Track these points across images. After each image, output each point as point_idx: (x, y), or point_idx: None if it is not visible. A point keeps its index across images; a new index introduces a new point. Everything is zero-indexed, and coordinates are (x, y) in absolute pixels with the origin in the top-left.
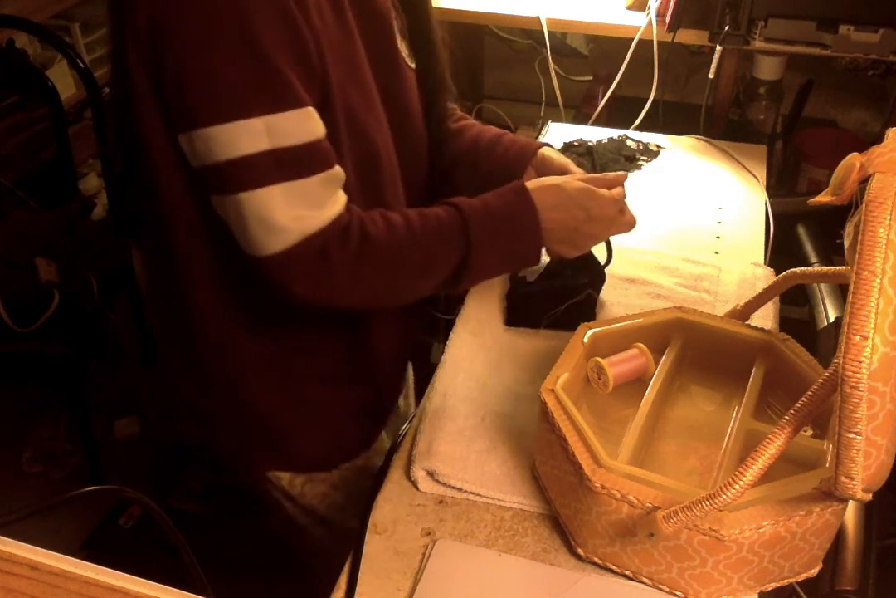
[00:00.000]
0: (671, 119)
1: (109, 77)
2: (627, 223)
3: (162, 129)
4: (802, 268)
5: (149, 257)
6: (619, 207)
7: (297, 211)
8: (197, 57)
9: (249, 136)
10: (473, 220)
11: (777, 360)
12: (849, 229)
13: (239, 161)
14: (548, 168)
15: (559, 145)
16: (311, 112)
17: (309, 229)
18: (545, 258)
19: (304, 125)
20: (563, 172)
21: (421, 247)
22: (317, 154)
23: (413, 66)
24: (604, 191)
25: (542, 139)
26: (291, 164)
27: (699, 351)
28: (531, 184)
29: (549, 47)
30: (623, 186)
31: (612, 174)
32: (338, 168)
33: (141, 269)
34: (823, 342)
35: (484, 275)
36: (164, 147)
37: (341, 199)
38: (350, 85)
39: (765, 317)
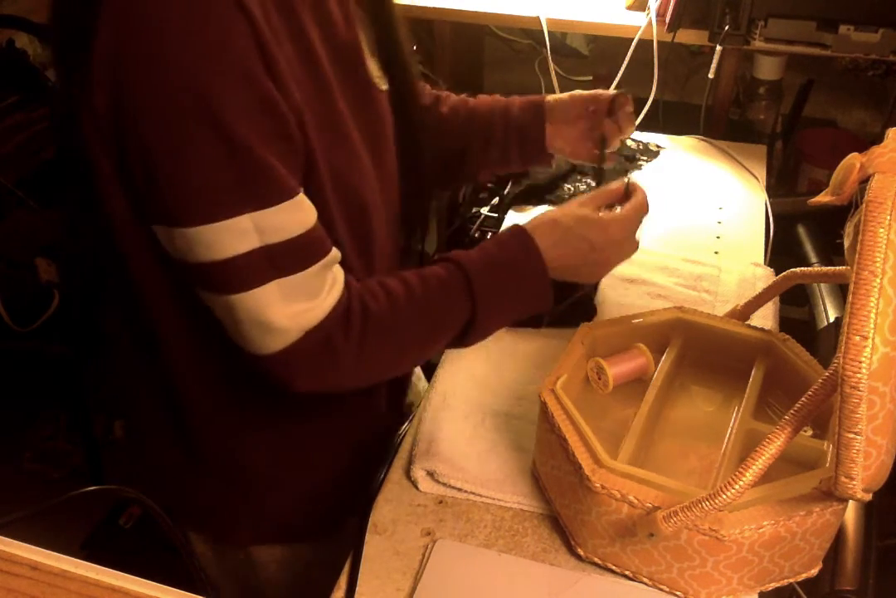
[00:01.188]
0: (671, 119)
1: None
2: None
3: (130, 214)
4: (802, 268)
5: (129, 338)
6: (625, 226)
7: (294, 307)
8: (168, 153)
9: (237, 235)
10: (475, 274)
11: (777, 360)
12: (849, 229)
13: (227, 262)
14: (561, 113)
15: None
16: (301, 201)
17: (308, 324)
18: None
19: (295, 217)
20: (575, 106)
21: (425, 314)
22: (312, 244)
23: (384, 87)
24: (604, 215)
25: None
26: (285, 259)
27: (699, 351)
28: (529, 224)
29: (549, 47)
30: (640, 190)
31: (613, 185)
32: (334, 251)
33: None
34: (823, 342)
35: (494, 327)
36: (134, 232)
37: (339, 279)
38: (335, 147)
39: (765, 317)
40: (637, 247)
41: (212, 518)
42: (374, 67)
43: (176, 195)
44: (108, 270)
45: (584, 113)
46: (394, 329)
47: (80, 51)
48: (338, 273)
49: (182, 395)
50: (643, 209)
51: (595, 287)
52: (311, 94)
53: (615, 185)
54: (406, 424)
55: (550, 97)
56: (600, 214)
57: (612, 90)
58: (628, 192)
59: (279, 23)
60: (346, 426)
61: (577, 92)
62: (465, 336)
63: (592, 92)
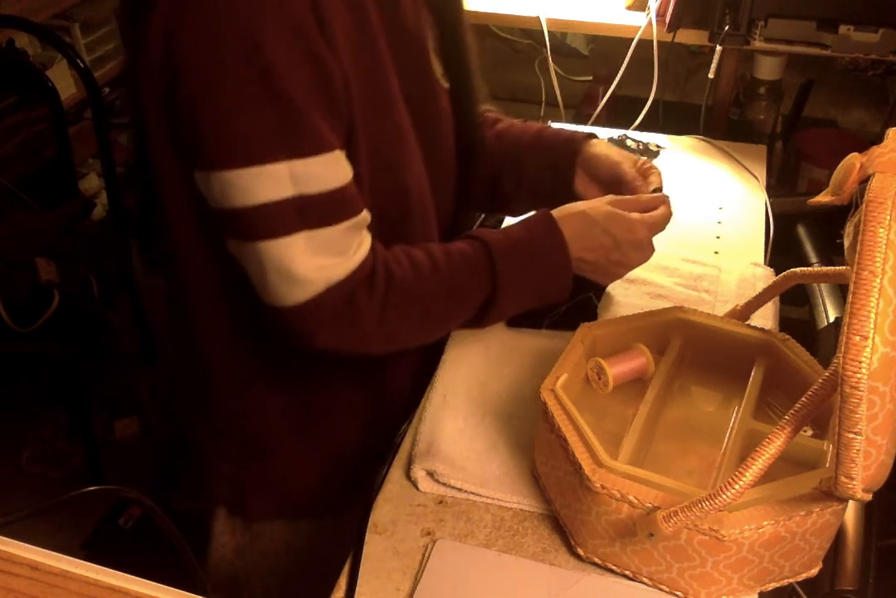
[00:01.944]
0: (671, 119)
1: (123, 100)
2: (651, 246)
3: (175, 163)
4: (802, 268)
5: (168, 293)
6: (651, 230)
7: (320, 261)
8: (214, 97)
9: (271, 182)
10: (499, 254)
11: (777, 360)
12: (849, 229)
13: (259, 208)
14: (595, 169)
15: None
16: (339, 156)
17: (333, 279)
18: None
19: (331, 171)
20: (613, 171)
21: (447, 285)
22: (344, 201)
23: (447, 85)
24: (633, 215)
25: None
26: (316, 212)
27: (699, 351)
28: (557, 213)
29: (549, 47)
30: (667, 205)
31: (645, 196)
32: (364, 213)
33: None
34: (823, 342)
35: (512, 310)
36: (176, 181)
37: (366, 242)
38: (377, 118)
39: (765, 317)
40: (652, 254)
41: (222, 485)
42: (437, 65)
43: (217, 137)
44: (158, 225)
45: (610, 173)
46: (416, 296)
47: (140, 14)
48: (365, 236)
49: (203, 346)
50: (667, 220)
51: (600, 292)
52: (361, 67)
53: (645, 197)
54: (406, 424)
55: (592, 147)
56: (627, 213)
57: (648, 196)
58: (657, 202)
59: None
60: (362, 401)
61: (619, 166)
62: (484, 314)
63: (627, 179)
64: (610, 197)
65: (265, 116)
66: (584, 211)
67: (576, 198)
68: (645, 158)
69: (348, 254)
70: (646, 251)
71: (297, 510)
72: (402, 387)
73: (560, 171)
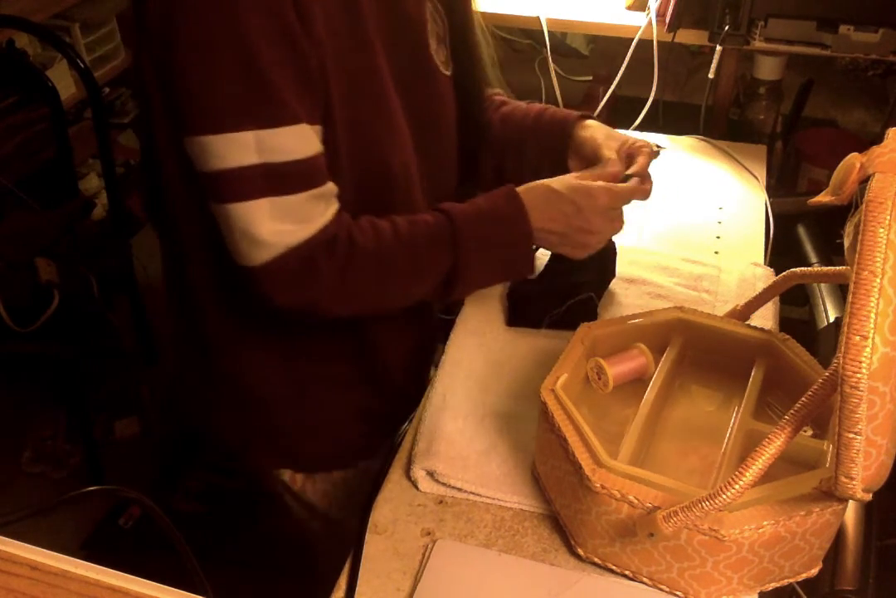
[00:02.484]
0: (671, 119)
1: (132, 79)
2: (618, 216)
3: (168, 129)
4: (802, 268)
5: (164, 253)
6: (613, 198)
7: (281, 226)
8: (196, 66)
9: (239, 149)
10: (462, 223)
11: (777, 360)
12: (849, 229)
13: (228, 172)
14: (582, 152)
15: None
16: (304, 129)
17: (293, 242)
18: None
19: (296, 142)
20: (594, 154)
21: (409, 252)
22: (308, 171)
23: (448, 73)
24: (595, 182)
25: (584, 112)
26: (280, 180)
27: (699, 351)
28: (521, 188)
29: (549, 47)
30: (639, 182)
31: (612, 170)
32: (330, 185)
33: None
34: (823, 342)
35: (476, 280)
36: (170, 146)
37: (330, 211)
38: (361, 98)
39: (765, 317)
40: (622, 226)
41: (229, 434)
42: (440, 52)
43: (194, 105)
44: (155, 189)
45: (593, 155)
46: (377, 261)
47: None
48: (331, 205)
49: (196, 304)
50: (634, 192)
51: (600, 292)
52: (342, 46)
53: (611, 170)
54: (406, 424)
55: (582, 130)
56: (589, 181)
57: (610, 169)
58: (615, 175)
59: None
60: (354, 363)
61: (603, 145)
62: (449, 285)
63: (591, 172)
64: (577, 172)
65: (237, 86)
66: (545, 183)
67: None
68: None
69: (309, 221)
70: (613, 220)
71: (300, 463)
72: (394, 363)
73: (557, 153)
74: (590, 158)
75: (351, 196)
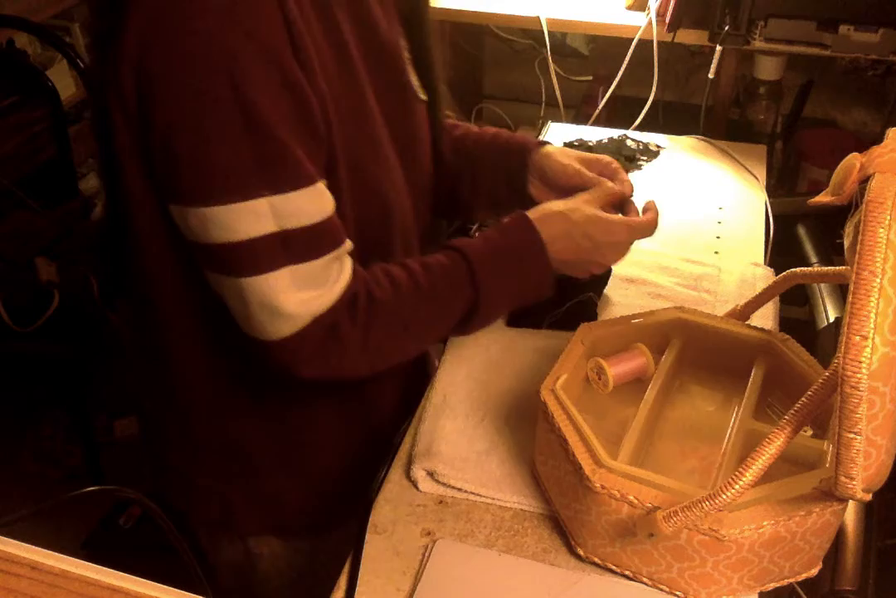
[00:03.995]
0: (671, 119)
1: (90, 125)
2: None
3: (149, 194)
4: (802, 268)
5: (135, 316)
6: (632, 234)
7: (304, 294)
8: (189, 129)
9: (253, 218)
10: (478, 263)
11: (777, 360)
12: (849, 229)
13: (242, 245)
14: (550, 178)
15: (559, 146)
16: (320, 188)
17: (318, 311)
18: None
19: (313, 204)
20: (573, 180)
21: (429, 301)
22: (327, 233)
23: (424, 97)
24: (614, 217)
25: (542, 139)
26: (300, 246)
27: (699, 351)
28: (534, 214)
29: (549, 47)
30: (654, 211)
31: (618, 188)
32: (347, 243)
33: (127, 326)
34: (823, 342)
35: (495, 315)
36: (149, 212)
37: (347, 269)
38: (357, 139)
39: (765, 317)
40: (627, 253)
41: (209, 504)
42: (414, 78)
43: (194, 173)
44: (127, 250)
45: (570, 183)
46: (398, 316)
47: (112, 32)
48: (346, 263)
49: (180, 376)
50: (650, 227)
51: (600, 292)
52: (339, 88)
53: (618, 187)
54: (406, 424)
55: (542, 156)
56: (608, 215)
57: (609, 186)
58: (645, 208)
59: (312, 14)
60: (345, 430)
61: (579, 171)
62: (468, 323)
63: (596, 195)
64: (585, 194)
65: (245, 150)
66: (562, 212)
67: (533, 204)
68: (644, 159)
69: (329, 284)
70: (623, 253)
71: (286, 528)
72: (384, 415)
73: (513, 179)
74: (563, 185)
75: (353, 237)
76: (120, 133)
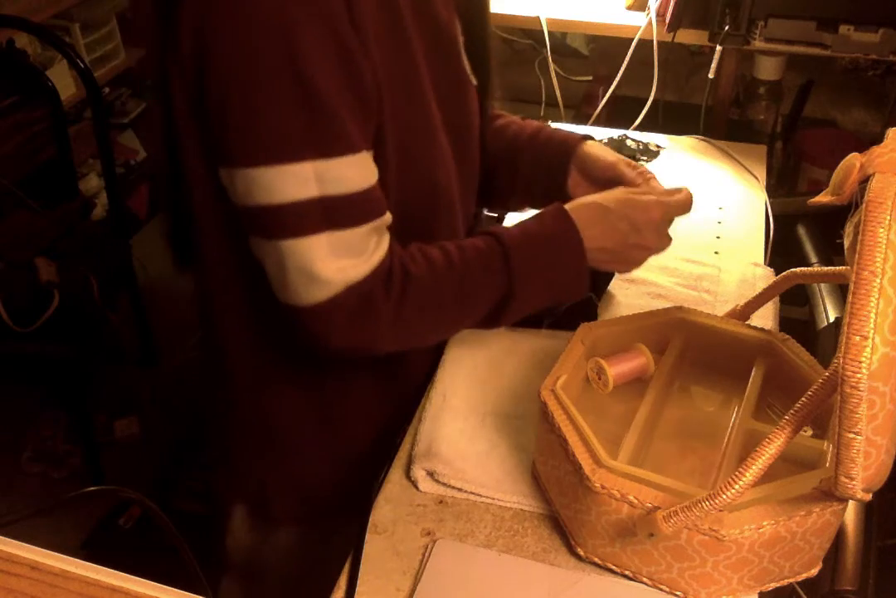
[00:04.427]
0: (671, 119)
1: (152, 93)
2: (667, 233)
3: (202, 159)
4: (802, 268)
5: (196, 291)
6: (667, 211)
7: (341, 262)
8: (243, 92)
9: (297, 181)
10: (514, 248)
11: (777, 360)
12: (849, 229)
13: (283, 207)
14: (591, 169)
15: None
16: (365, 157)
17: (352, 279)
18: None
19: (357, 172)
20: (610, 174)
21: (463, 281)
22: (369, 203)
23: (475, 82)
24: (647, 196)
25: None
26: (341, 213)
27: (699, 351)
28: (570, 205)
29: (549, 47)
30: (687, 191)
31: (660, 187)
32: (387, 215)
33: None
34: (823, 342)
35: (529, 305)
36: (202, 177)
37: (384, 242)
38: (408, 116)
39: (765, 317)
40: (670, 242)
41: (245, 484)
42: (467, 62)
43: (244, 134)
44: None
45: (609, 183)
46: (432, 294)
47: (170, 10)
48: (384, 237)
49: (225, 342)
50: (685, 205)
51: (600, 292)
52: (393, 65)
53: (660, 188)
54: (406, 424)
55: (587, 147)
56: (641, 196)
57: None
58: (675, 190)
59: None
60: (378, 401)
61: (616, 165)
62: (501, 311)
63: (628, 178)
64: (623, 187)
65: (295, 114)
66: (595, 200)
67: (567, 197)
68: (644, 159)
69: (366, 255)
70: (662, 234)
71: (313, 511)
72: (416, 388)
73: (553, 170)
74: (599, 176)
75: (396, 216)
76: (177, 97)
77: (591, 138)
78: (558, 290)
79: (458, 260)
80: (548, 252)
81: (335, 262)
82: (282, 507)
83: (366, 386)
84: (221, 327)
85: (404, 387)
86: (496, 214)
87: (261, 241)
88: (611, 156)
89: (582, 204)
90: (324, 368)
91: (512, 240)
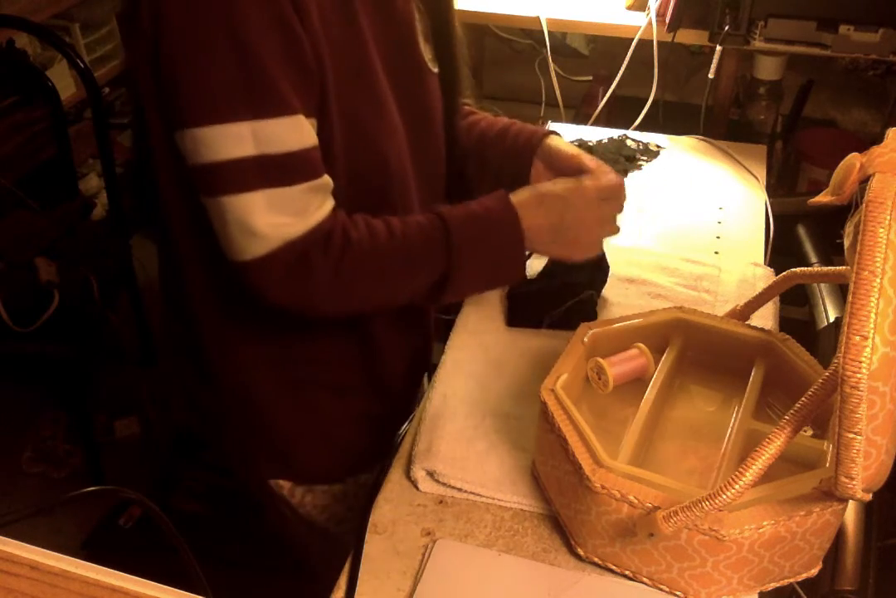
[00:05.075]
0: (671, 119)
1: (125, 96)
2: (611, 217)
3: (161, 126)
4: (802, 268)
5: (159, 254)
6: (599, 191)
7: (278, 218)
8: (188, 57)
9: (235, 140)
10: (454, 223)
11: (777, 360)
12: (849, 229)
13: (222, 164)
14: (554, 160)
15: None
16: (300, 120)
17: (289, 236)
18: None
19: (292, 133)
20: (573, 164)
21: (403, 250)
22: (304, 163)
23: (436, 70)
24: (583, 180)
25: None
26: (276, 171)
27: (699, 351)
28: (516, 192)
29: (549, 47)
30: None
31: (607, 176)
32: (325, 177)
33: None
34: (823, 342)
35: (469, 282)
36: (162, 143)
37: (326, 206)
38: (355, 91)
39: (765, 317)
40: (617, 230)
41: (227, 443)
42: (427, 50)
43: (188, 96)
44: (149, 189)
45: (572, 173)
46: (371, 259)
47: None
48: (326, 200)
49: (191, 304)
50: (618, 188)
51: (598, 291)
52: (336, 39)
53: (609, 176)
54: (406, 424)
55: (552, 140)
56: (575, 178)
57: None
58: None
59: None
60: (345, 363)
61: (577, 157)
62: (441, 287)
63: (590, 168)
64: (571, 178)
65: (232, 76)
66: (534, 186)
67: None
68: (644, 159)
69: (306, 214)
70: (605, 220)
71: (306, 474)
72: (391, 365)
73: (520, 162)
74: (562, 167)
75: (345, 191)
76: (141, 67)
77: (557, 134)
78: (497, 270)
79: (400, 231)
80: (488, 231)
81: (272, 218)
82: (265, 466)
83: (329, 350)
84: (188, 291)
85: (373, 360)
86: None
87: (206, 199)
88: (573, 149)
89: (522, 190)
90: (285, 326)
91: (453, 217)
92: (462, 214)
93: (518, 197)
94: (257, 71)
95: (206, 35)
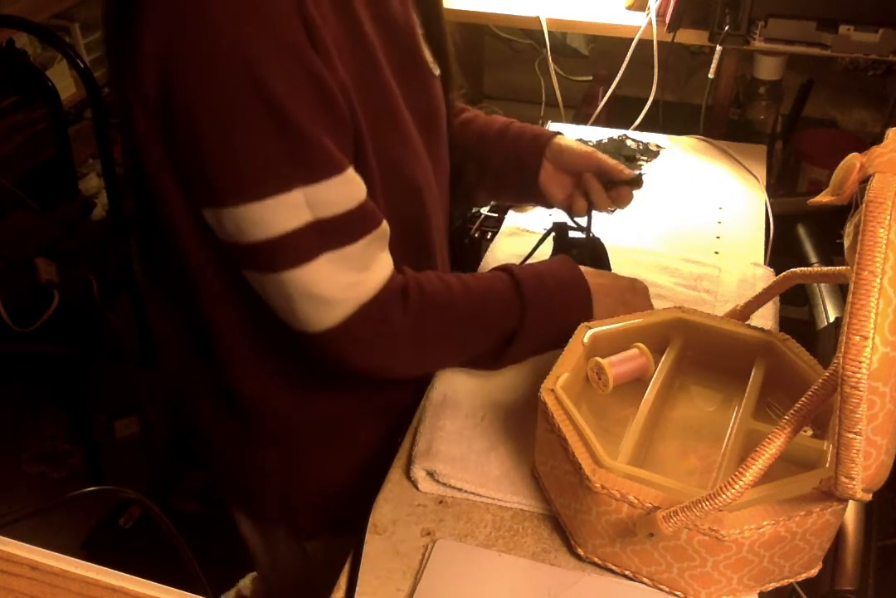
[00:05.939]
0: (671, 119)
1: (121, 142)
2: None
3: (181, 201)
4: (802, 268)
5: (177, 317)
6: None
7: (345, 278)
8: (216, 129)
9: (288, 211)
10: (526, 282)
11: (777, 360)
12: (849, 229)
13: (279, 239)
14: (567, 160)
15: None
16: (350, 175)
17: (363, 297)
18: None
19: (346, 191)
20: (590, 162)
21: (478, 306)
22: (362, 218)
23: (437, 72)
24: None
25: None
26: (337, 233)
27: (699, 351)
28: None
29: (549, 47)
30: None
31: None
32: (384, 225)
33: (166, 320)
34: (823, 342)
35: (534, 341)
36: (185, 218)
37: (387, 258)
38: (382, 122)
39: (765, 317)
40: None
41: (259, 498)
42: (428, 53)
43: (223, 172)
44: (166, 259)
45: (588, 171)
46: (449, 312)
47: (128, 39)
48: (387, 255)
49: (230, 371)
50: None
51: None
52: (357, 71)
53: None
54: (406, 424)
55: (561, 140)
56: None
57: (628, 172)
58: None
59: (327, 1)
60: (384, 409)
61: (595, 154)
62: (509, 345)
63: (610, 164)
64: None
65: (274, 145)
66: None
67: (539, 190)
68: (644, 159)
69: (371, 268)
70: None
71: (339, 523)
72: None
73: (525, 163)
74: (576, 165)
75: (389, 218)
76: (147, 143)
77: (562, 134)
78: (562, 331)
79: (474, 284)
80: (557, 292)
81: (339, 279)
82: (309, 522)
83: (369, 397)
84: (225, 359)
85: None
86: (496, 214)
87: (259, 275)
88: (585, 147)
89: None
90: (326, 387)
91: (523, 276)
92: (530, 272)
93: (584, 268)
94: (298, 134)
95: (233, 105)
